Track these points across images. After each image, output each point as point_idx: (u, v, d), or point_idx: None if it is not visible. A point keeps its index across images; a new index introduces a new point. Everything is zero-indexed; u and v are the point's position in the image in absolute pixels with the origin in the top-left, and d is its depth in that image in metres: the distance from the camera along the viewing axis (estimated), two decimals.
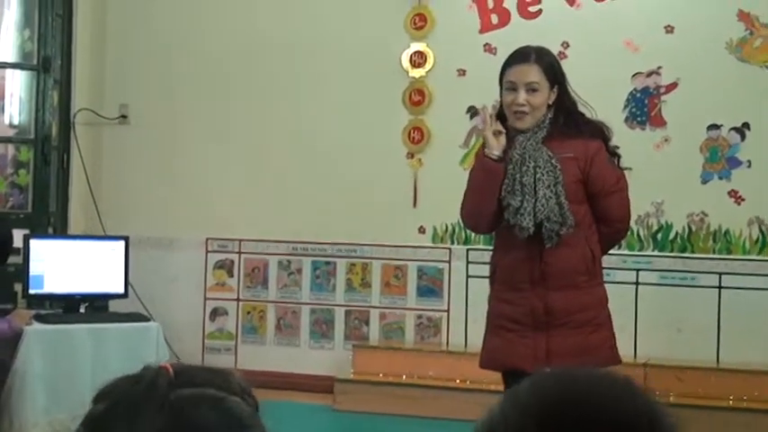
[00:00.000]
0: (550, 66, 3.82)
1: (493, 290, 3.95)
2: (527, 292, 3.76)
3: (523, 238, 3.72)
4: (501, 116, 3.88)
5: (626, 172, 4.02)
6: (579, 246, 3.76)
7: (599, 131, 3.85)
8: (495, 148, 3.75)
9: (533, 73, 3.77)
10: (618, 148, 4.02)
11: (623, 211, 3.91)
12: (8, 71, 6.62)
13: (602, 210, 3.82)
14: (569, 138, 3.77)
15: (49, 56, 6.56)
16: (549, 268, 3.74)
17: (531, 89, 3.75)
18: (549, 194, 3.68)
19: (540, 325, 3.75)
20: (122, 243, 5.64)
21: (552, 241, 3.70)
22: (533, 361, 3.73)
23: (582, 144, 3.78)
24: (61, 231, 6.58)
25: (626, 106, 6.05)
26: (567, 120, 3.80)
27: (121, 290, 5.60)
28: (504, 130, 3.77)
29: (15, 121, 6.65)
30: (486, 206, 3.80)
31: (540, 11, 6.20)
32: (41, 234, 6.14)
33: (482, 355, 3.97)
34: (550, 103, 3.80)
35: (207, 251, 6.75)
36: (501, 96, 3.88)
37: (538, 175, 3.69)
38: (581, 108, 3.91)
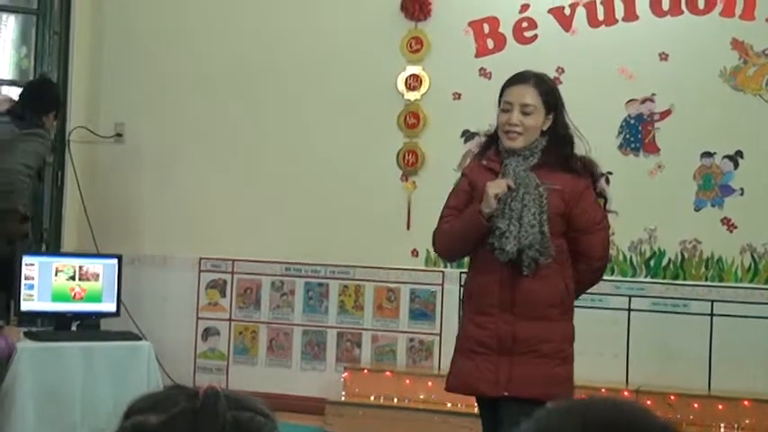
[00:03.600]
0: (547, 92, 3.80)
1: (465, 312, 3.93)
2: (495, 317, 3.73)
3: (503, 262, 3.69)
4: (495, 137, 3.88)
5: (613, 212, 4.02)
6: (554, 278, 3.73)
7: (589, 169, 3.83)
8: (491, 207, 3.70)
9: (529, 95, 3.76)
10: (605, 181, 4.04)
11: (603, 250, 3.87)
12: (4, 88, 6.63)
13: (584, 247, 3.79)
14: (559, 170, 3.74)
15: (46, 73, 6.57)
16: (521, 296, 3.70)
17: (526, 111, 3.73)
18: (533, 222, 3.65)
19: (505, 351, 3.71)
20: (115, 261, 5.64)
21: (530, 269, 3.67)
22: (494, 386, 3.72)
23: (571, 179, 3.75)
24: (54, 249, 6.57)
25: (620, 133, 6.08)
26: (560, 152, 3.77)
27: (113, 308, 5.59)
28: (503, 191, 3.71)
29: None
30: (469, 249, 3.87)
31: (535, 36, 6.23)
32: (34, 251, 6.13)
33: (449, 377, 3.94)
34: (544, 129, 3.78)
35: (200, 270, 6.75)
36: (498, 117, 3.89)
37: (525, 202, 3.67)
38: (576, 140, 3.87)
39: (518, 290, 3.70)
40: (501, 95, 3.86)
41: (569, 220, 3.74)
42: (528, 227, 3.65)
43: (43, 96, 6.05)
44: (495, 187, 3.69)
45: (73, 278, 5.42)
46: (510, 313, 3.71)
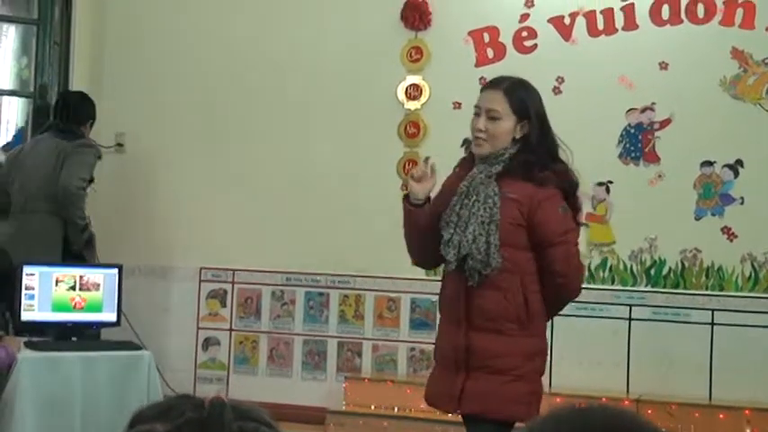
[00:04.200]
0: (520, 99, 3.62)
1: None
2: (454, 328, 3.61)
3: (451, 272, 3.60)
4: None
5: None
6: (512, 291, 3.54)
7: (555, 180, 3.58)
8: (418, 193, 3.65)
9: (498, 101, 3.62)
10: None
11: (566, 265, 3.60)
12: (5, 98, 6.64)
13: (547, 261, 3.57)
14: (521, 179, 3.56)
15: (46, 84, 6.59)
16: (476, 309, 3.56)
17: (492, 117, 3.60)
18: (479, 231, 3.51)
19: (461, 364, 3.58)
20: (116, 271, 5.63)
21: (474, 280, 3.52)
22: (448, 401, 3.63)
23: (530, 188, 3.55)
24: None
25: (620, 142, 6.08)
26: (527, 161, 3.57)
27: (114, 318, 5.58)
28: (426, 173, 3.67)
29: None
30: (417, 247, 3.78)
31: (535, 45, 6.24)
32: (35, 260, 6.12)
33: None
34: (517, 137, 3.61)
35: (200, 280, 6.75)
36: None
37: (473, 210, 3.53)
38: (561, 152, 3.67)
39: (473, 302, 3.56)
40: None
41: (529, 232, 3.56)
42: (471, 236, 3.51)
43: (81, 107, 6.14)
44: (415, 170, 3.66)
45: (73, 288, 5.41)
46: (467, 325, 3.57)
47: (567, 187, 3.62)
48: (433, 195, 3.77)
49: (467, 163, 3.77)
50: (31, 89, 6.62)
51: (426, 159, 3.73)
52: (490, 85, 3.74)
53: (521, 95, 3.64)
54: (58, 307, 5.38)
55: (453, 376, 3.59)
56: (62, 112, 6.09)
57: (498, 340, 3.54)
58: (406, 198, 3.73)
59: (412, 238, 3.77)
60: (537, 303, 3.59)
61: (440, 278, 6.21)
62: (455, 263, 3.55)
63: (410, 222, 3.72)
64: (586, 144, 6.00)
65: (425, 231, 3.67)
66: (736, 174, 5.93)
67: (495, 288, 3.53)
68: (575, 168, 3.68)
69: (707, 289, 5.95)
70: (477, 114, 3.67)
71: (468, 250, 3.51)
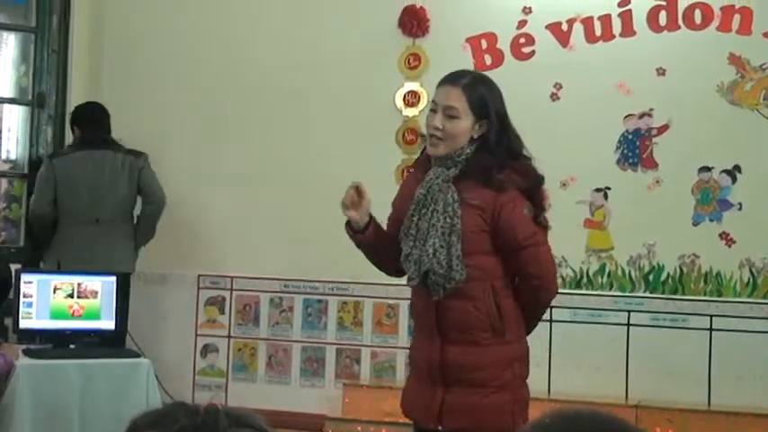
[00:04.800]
0: (480, 97, 3.38)
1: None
2: (428, 341, 3.45)
3: (413, 286, 3.44)
4: None
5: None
6: (482, 300, 3.36)
7: (516, 181, 3.37)
8: (356, 219, 3.54)
9: (455, 97, 3.38)
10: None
11: (539, 266, 3.42)
12: (4, 106, 6.65)
13: (518, 265, 3.39)
14: (480, 184, 3.36)
15: (44, 91, 6.60)
16: (444, 320, 3.38)
17: (450, 115, 3.37)
18: (440, 243, 3.33)
19: (436, 378, 3.42)
20: (114, 279, 5.63)
21: (438, 294, 3.35)
22: (426, 416, 3.48)
23: (491, 194, 3.34)
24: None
25: (618, 148, 6.09)
26: (485, 163, 3.36)
27: (112, 326, 5.58)
28: (356, 198, 3.55)
29: (11, 156, 6.68)
30: (375, 262, 3.73)
31: (533, 52, 6.25)
32: (33, 269, 6.12)
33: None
34: (474, 136, 3.38)
35: (198, 288, 6.74)
36: None
37: (433, 221, 3.35)
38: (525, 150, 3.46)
39: (444, 314, 3.39)
40: None
41: (493, 236, 3.37)
42: (431, 249, 3.33)
43: (107, 117, 6.37)
44: (344, 198, 3.55)
45: (71, 296, 5.41)
46: (441, 339, 3.41)
47: (531, 186, 3.42)
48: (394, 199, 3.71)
49: (422, 163, 3.58)
50: (30, 97, 6.63)
51: (353, 184, 3.62)
52: (449, 80, 3.47)
53: (481, 92, 3.41)
54: (57, 315, 5.38)
55: (430, 390, 3.45)
56: (101, 125, 6.30)
57: (474, 352, 3.38)
58: (348, 225, 3.58)
59: (368, 256, 3.69)
60: (510, 308, 3.42)
61: None
62: (417, 279, 3.39)
63: (360, 246, 3.64)
64: (584, 150, 6.03)
65: (378, 245, 3.58)
66: (734, 179, 5.93)
67: (465, 298, 3.36)
68: (540, 164, 3.48)
69: (705, 295, 5.95)
70: (433, 111, 3.44)
71: (428, 266, 3.34)
